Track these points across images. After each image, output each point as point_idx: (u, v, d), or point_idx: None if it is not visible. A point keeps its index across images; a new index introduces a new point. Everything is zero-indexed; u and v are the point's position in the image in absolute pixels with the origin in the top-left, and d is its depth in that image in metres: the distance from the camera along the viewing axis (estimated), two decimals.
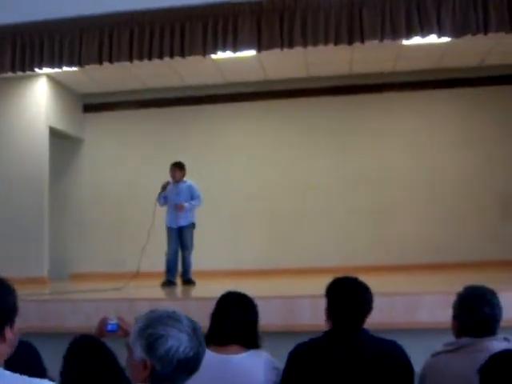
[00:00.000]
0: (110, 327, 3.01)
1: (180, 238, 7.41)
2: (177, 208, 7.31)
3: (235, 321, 2.77)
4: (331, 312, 2.76)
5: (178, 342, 1.78)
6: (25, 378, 1.86)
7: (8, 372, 1.84)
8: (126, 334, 3.08)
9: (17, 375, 1.85)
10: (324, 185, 9.24)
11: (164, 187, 7.41)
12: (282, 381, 2.74)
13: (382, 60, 8.44)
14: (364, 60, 8.40)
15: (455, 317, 2.73)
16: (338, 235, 9.09)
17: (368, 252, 8.88)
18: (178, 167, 7.48)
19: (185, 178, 7.52)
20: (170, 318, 1.83)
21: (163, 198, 7.44)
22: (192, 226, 7.46)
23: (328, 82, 9.17)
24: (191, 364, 1.81)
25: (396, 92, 9.21)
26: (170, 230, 7.44)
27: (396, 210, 9.06)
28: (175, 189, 7.45)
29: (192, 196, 7.43)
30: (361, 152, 9.26)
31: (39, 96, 8.71)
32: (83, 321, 5.20)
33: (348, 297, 2.72)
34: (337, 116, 9.34)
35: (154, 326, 1.81)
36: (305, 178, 9.28)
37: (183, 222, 7.39)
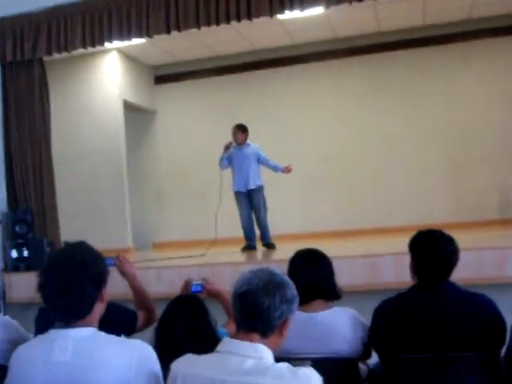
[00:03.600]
0: (194, 288, 3.07)
1: (251, 201, 7.26)
2: (287, 170, 7.16)
3: (309, 276, 2.74)
4: (417, 265, 2.69)
5: None
6: (119, 338, 1.95)
7: (103, 333, 1.93)
8: (210, 294, 3.14)
9: (111, 336, 1.93)
10: (398, 142, 9.02)
11: (227, 147, 7.20)
12: (370, 336, 2.72)
13: (457, 8, 8.07)
14: (437, 9, 8.06)
15: None
16: (413, 193, 8.89)
17: (445, 209, 8.66)
18: (241, 129, 7.28)
19: (248, 141, 7.34)
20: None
21: (226, 159, 7.25)
22: (261, 188, 7.27)
23: (400, 36, 8.87)
24: None
25: (470, 41, 8.80)
26: (238, 194, 7.29)
27: (472, 165, 8.76)
28: (240, 152, 7.27)
29: (259, 158, 7.25)
30: (436, 106, 8.95)
31: (111, 70, 8.89)
32: (168, 286, 5.35)
33: (433, 248, 2.64)
34: (411, 69, 9.05)
35: None
36: (379, 136, 9.09)
37: (252, 185, 7.21)
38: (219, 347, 1.84)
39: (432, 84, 8.98)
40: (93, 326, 1.95)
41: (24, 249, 6.40)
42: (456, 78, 8.90)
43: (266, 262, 6.35)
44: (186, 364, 1.85)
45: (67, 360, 1.83)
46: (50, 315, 1.99)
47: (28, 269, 6.31)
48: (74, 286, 1.89)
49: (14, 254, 6.40)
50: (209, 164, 9.37)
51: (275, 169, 7.29)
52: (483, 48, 8.79)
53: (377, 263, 5.13)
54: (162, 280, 5.48)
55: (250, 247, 7.27)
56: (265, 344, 1.80)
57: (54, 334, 1.92)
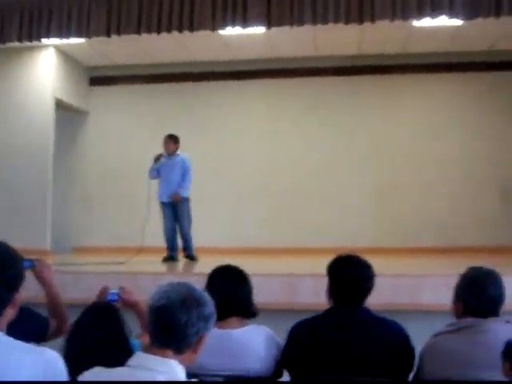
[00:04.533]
0: (110, 296, 3.02)
1: (175, 212, 7.26)
2: (174, 198, 7.16)
3: (225, 293, 2.73)
4: (333, 289, 2.76)
5: None
6: (26, 344, 1.89)
7: (10, 338, 1.87)
8: (126, 304, 3.10)
9: (18, 342, 1.88)
10: (329, 164, 9.23)
11: (157, 159, 7.25)
12: (283, 356, 2.76)
13: (392, 41, 8.37)
14: (373, 40, 8.33)
15: (458, 298, 2.69)
16: (340, 216, 9.07)
17: (370, 233, 8.89)
18: (173, 140, 7.32)
19: (178, 152, 7.36)
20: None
21: (155, 170, 7.28)
22: (186, 199, 7.27)
23: (336, 62, 9.12)
24: None
25: (404, 74, 9.15)
26: (163, 204, 7.30)
27: (397, 190, 9.05)
28: (169, 162, 7.30)
29: (184, 170, 7.27)
30: (365, 133, 9.23)
31: (46, 67, 8.68)
32: (85, 293, 5.22)
33: (349, 273, 2.72)
34: (342, 96, 9.30)
35: None
36: (309, 156, 9.26)
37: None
38: (130, 361, 1.81)
39: (363, 111, 9.25)
40: (1, 331, 1.88)
41: None
42: (387, 107, 9.20)
43: (186, 274, 6.34)
44: (95, 377, 1.81)
45: None
46: None
47: None
48: None
49: None
50: (138, 170, 9.28)
51: (180, 185, 7.25)
52: (416, 82, 9.15)
53: (296, 283, 5.20)
54: (78, 286, 5.35)
55: (171, 258, 7.24)
56: (178, 360, 1.79)
57: None
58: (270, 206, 9.26)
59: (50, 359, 1.89)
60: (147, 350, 1.83)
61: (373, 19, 5.65)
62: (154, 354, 1.79)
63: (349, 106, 9.29)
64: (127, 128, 9.67)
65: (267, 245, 8.85)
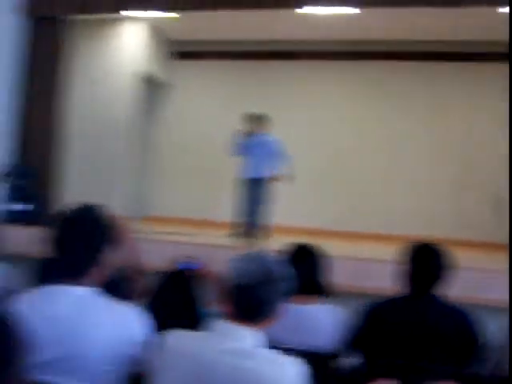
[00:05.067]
0: (187, 265, 3.12)
1: (252, 190, 7.27)
2: (274, 179, 7.23)
3: (302, 270, 2.75)
4: (407, 275, 2.77)
5: None
6: (116, 301, 2.02)
7: (101, 294, 2.00)
8: (201, 274, 3.20)
9: (109, 299, 2.00)
10: (411, 151, 9.07)
11: (240, 135, 7.28)
12: (352, 336, 2.79)
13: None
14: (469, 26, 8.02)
15: None
16: (419, 204, 8.93)
17: (448, 224, 8.71)
18: (259, 119, 7.34)
19: (265, 131, 7.37)
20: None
21: (239, 146, 7.30)
22: (268, 179, 7.27)
23: (429, 47, 8.88)
24: None
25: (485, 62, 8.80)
26: (244, 181, 7.32)
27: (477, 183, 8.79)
28: (254, 140, 7.30)
29: (275, 152, 7.28)
30: (456, 122, 8.99)
31: (135, 39, 8.86)
32: (158, 260, 5.40)
33: (426, 260, 2.73)
34: (427, 83, 9.08)
35: None
36: (391, 143, 9.14)
37: (257, 175, 7.24)
38: (210, 327, 1.89)
39: (452, 99, 9.01)
40: (93, 287, 2.00)
41: (26, 203, 6.45)
42: (472, 95, 8.93)
43: (257, 250, 6.39)
44: (177, 338, 1.90)
45: (63, 315, 1.89)
46: (53, 269, 2.04)
47: (27, 223, 6.37)
48: (83, 246, 1.95)
49: (16, 206, 6.44)
50: (215, 145, 9.44)
51: (280, 167, 7.31)
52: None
53: (368, 267, 5.19)
54: (154, 253, 5.51)
55: (239, 234, 7.28)
56: (255, 330, 1.86)
57: (52, 288, 1.98)
58: (346, 190, 9.21)
59: (136, 317, 2.01)
60: (228, 318, 1.88)
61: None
62: (233, 322, 1.85)
63: (436, 94, 9.06)
64: (208, 103, 9.80)
65: (343, 228, 8.82)
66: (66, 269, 1.98)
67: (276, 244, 6.65)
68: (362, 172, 9.21)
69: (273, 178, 7.25)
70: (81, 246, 1.96)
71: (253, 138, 7.34)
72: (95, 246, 2.00)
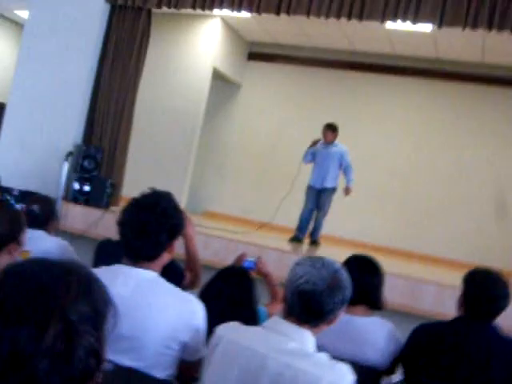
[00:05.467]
0: (247, 263, 3.16)
1: (319, 199, 7.40)
2: (347, 191, 7.32)
3: (358, 280, 2.76)
4: (466, 300, 2.73)
5: None
6: (177, 288, 2.07)
7: (163, 280, 2.05)
8: (259, 273, 3.23)
9: (171, 285, 2.06)
10: (473, 177, 8.88)
11: (314, 143, 7.36)
12: (401, 353, 2.77)
13: None
14: None
15: None
16: (475, 230, 8.74)
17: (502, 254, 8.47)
18: (332, 129, 7.40)
19: (336, 141, 7.46)
20: None
21: (311, 154, 7.42)
22: (334, 190, 7.41)
23: (501, 72, 8.69)
24: None
25: None
26: (311, 189, 7.43)
27: None
28: (326, 150, 7.40)
29: (342, 162, 7.37)
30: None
31: (210, 36, 9.01)
32: (213, 255, 5.49)
33: (487, 287, 2.68)
34: (495, 107, 8.87)
35: None
36: (455, 166, 8.97)
37: (327, 184, 7.36)
38: (266, 323, 1.92)
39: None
40: (156, 272, 2.06)
41: (87, 184, 6.64)
42: None
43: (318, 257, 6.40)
44: (232, 331, 1.93)
45: (127, 295, 1.94)
46: (114, 250, 2.10)
47: (86, 203, 6.56)
48: (151, 230, 2.00)
49: (77, 186, 6.62)
50: (278, 149, 9.49)
51: (346, 179, 7.41)
52: None
53: (420, 289, 5.12)
54: (208, 248, 5.61)
55: (298, 239, 7.37)
56: (311, 332, 1.87)
57: (119, 268, 2.04)
58: (403, 209, 9.10)
59: (196, 306, 2.05)
60: (285, 317, 1.91)
61: None
62: (290, 322, 1.87)
63: (499, 118, 8.87)
64: (275, 106, 9.85)
65: (391, 245, 8.73)
66: (132, 251, 2.03)
67: (324, 252, 6.72)
68: (423, 192, 9.06)
69: (345, 190, 7.36)
70: (157, 230, 2.01)
71: (327, 147, 7.41)
72: (169, 232, 2.05)
